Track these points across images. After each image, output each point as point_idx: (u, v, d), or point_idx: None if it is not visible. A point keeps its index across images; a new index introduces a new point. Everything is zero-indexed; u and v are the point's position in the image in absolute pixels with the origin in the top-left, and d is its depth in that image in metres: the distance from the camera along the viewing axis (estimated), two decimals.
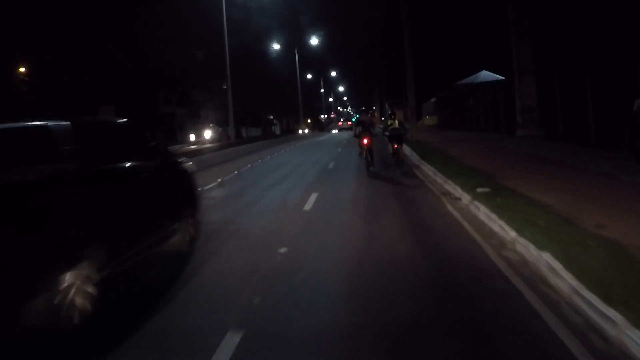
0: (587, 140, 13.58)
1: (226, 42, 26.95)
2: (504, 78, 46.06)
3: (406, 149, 17.13)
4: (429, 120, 51.19)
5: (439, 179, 10.38)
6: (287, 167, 15.74)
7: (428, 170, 12.07)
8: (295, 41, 58.27)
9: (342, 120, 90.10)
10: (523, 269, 4.48)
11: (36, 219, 3.35)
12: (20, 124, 4.16)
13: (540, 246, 4.53)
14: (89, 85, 38.41)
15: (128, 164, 4.75)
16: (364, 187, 10.55)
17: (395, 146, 12.57)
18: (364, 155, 12.57)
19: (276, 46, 53.23)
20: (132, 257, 4.41)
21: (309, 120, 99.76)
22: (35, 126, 4.07)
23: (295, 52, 54.40)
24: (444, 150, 16.21)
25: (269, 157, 20.11)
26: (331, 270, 4.82)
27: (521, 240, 4.96)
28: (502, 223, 5.74)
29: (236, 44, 66.96)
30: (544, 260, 4.25)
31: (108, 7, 39.99)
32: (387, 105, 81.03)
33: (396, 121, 12.81)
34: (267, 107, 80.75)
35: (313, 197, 9.32)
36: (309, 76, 76.87)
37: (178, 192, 5.82)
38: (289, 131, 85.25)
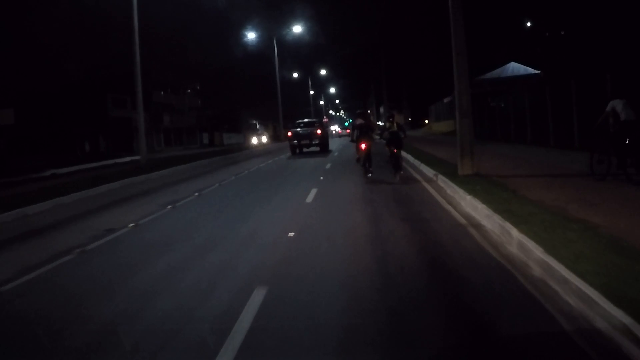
0: None
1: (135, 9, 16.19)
2: (539, 71, 35.68)
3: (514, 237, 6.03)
4: (440, 125, 40.40)
5: None
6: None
7: None
8: (278, 33, 47.61)
9: (339, 128, 78.51)
10: None
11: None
12: (314, 119, 31.77)
13: None
14: None
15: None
16: None
17: (395, 150, 11.36)
18: (362, 162, 11.75)
19: (251, 35, 42.55)
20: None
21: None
22: (316, 119, 30.31)
23: (274, 42, 43.62)
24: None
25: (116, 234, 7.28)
26: None
27: None
28: None
29: (214, 42, 56.61)
30: None
31: None
32: (381, 109, 70.98)
33: (395, 124, 11.82)
34: (249, 110, 70.28)
35: None
36: (295, 75, 66.03)
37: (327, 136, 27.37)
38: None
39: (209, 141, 59.11)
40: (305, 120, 27.70)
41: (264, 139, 53.02)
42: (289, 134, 25.74)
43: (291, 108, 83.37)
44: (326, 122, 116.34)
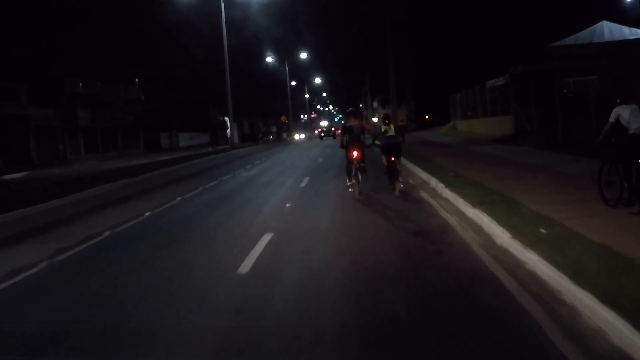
0: None
1: None
2: None
3: None
4: (476, 125, 25.12)
5: None
6: None
7: None
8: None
9: (325, 127, 62.31)
10: None
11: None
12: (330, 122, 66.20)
13: None
14: None
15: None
16: None
17: (392, 159, 8.90)
18: (353, 173, 8.67)
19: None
20: None
21: (284, 120, 73.26)
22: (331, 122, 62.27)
23: (221, 2, 28.14)
24: None
25: None
26: None
27: None
28: None
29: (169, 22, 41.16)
30: None
31: None
32: (375, 103, 55.87)
33: (392, 126, 9.33)
34: (215, 104, 54.90)
35: None
36: (270, 59, 50.73)
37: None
38: (247, 139, 59.01)
39: (153, 144, 43.47)
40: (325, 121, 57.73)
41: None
42: (319, 129, 51.29)
43: (268, 103, 67.99)
44: (314, 117, 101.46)
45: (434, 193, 8.47)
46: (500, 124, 20.99)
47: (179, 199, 9.61)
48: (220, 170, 15.88)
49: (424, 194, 8.48)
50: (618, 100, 6.29)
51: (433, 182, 9.29)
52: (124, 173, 15.65)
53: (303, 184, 10.76)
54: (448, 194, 7.87)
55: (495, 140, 19.12)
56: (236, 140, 59.21)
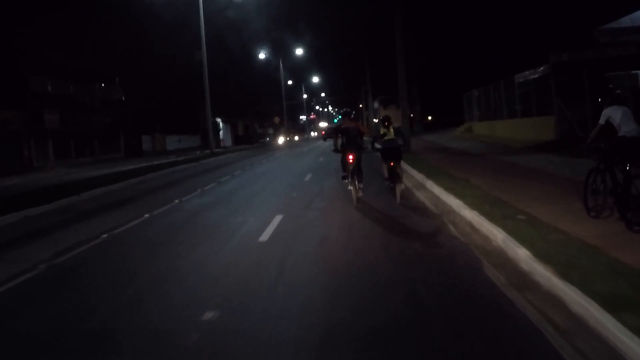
0: None
1: None
2: None
3: None
4: (500, 127, 20.85)
5: None
6: None
7: None
8: None
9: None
10: None
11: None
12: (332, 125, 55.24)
13: None
14: None
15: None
16: None
17: (392, 164, 8.44)
18: (349, 179, 8.30)
19: None
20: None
21: (277, 121, 68.78)
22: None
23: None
24: None
25: None
26: None
27: None
28: None
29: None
30: None
31: None
32: (377, 103, 51.99)
33: (392, 129, 8.73)
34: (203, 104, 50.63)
35: None
36: (262, 56, 46.60)
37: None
38: (240, 141, 54.76)
39: (134, 148, 39.11)
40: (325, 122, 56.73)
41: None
42: (322, 132, 53.76)
43: (265, 103, 63.72)
44: (314, 118, 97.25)
45: (509, 266, 4.21)
46: (535, 126, 16.72)
47: (42, 265, 5.34)
48: (167, 194, 11.36)
49: (490, 271, 4.21)
50: (607, 101, 5.66)
51: (494, 234, 5.04)
52: (47, 196, 11.42)
53: (266, 235, 6.23)
54: (556, 286, 3.61)
55: (533, 147, 14.85)
56: (229, 143, 55.03)
